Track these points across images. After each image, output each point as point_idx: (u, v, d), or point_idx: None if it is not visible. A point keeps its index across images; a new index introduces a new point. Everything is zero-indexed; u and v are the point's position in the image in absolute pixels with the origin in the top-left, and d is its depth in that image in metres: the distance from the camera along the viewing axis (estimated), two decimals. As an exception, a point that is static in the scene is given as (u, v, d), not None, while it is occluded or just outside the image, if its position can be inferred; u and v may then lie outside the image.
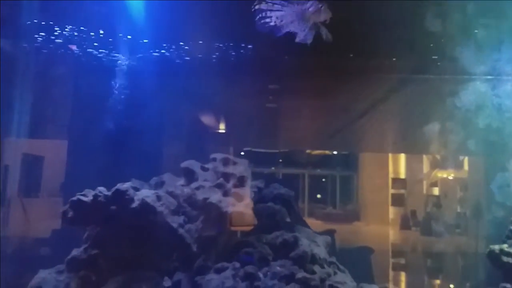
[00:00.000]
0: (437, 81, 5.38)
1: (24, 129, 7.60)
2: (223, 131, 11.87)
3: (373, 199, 17.52)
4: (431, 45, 4.80)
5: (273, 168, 17.36)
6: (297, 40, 3.25)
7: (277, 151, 16.56)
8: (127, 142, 6.51)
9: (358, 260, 6.34)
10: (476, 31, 4.11)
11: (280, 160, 17.25)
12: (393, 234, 16.38)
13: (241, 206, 4.68)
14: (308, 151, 17.08)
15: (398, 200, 17.36)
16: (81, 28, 5.37)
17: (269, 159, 16.27)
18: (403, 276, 10.57)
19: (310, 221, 5.67)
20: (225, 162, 4.77)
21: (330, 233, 5.57)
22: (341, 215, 17.68)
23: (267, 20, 3.19)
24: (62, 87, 6.50)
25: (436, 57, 4.87)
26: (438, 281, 10.00)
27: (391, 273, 10.06)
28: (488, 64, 4.72)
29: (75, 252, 4.14)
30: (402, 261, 12.18)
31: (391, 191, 17.56)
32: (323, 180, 19.27)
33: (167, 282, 4.32)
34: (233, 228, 4.81)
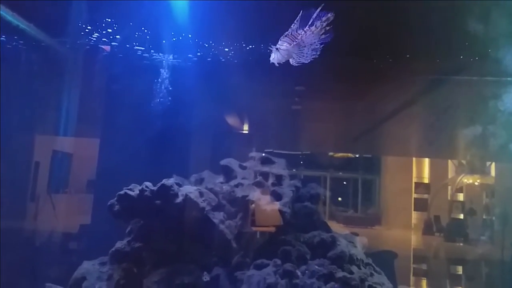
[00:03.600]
0: (477, 83, 5.32)
1: (59, 126, 7.83)
2: (246, 132, 11.95)
3: (395, 203, 17.33)
4: (472, 45, 4.74)
5: (294, 170, 17.35)
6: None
7: (299, 153, 16.59)
8: (160, 141, 6.62)
9: (381, 265, 6.30)
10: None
11: (302, 162, 17.25)
12: (415, 239, 16.14)
13: (278, 205, 4.73)
14: (330, 153, 17.04)
15: (421, 205, 17.11)
16: (115, 26, 5.50)
17: (291, 161, 16.29)
18: (425, 282, 10.42)
19: (331, 224, 5.68)
20: (263, 161, 4.83)
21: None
22: (362, 218, 17.54)
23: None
24: (102, 85, 6.68)
25: (477, 58, 4.81)
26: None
27: (412, 278, 9.92)
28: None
29: (118, 244, 4.25)
30: (424, 266, 12.00)
31: (414, 195, 17.33)
32: (345, 183, 19.18)
33: (205, 276, 4.40)
34: (266, 228, 4.85)
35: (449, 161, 16.47)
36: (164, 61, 6.10)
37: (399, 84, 6.89)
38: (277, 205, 4.71)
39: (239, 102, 9.02)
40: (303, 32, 2.75)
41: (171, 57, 6.06)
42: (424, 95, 7.12)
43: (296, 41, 2.77)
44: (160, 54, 5.94)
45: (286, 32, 2.82)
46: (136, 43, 5.65)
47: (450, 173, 16.95)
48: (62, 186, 13.00)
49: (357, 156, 17.53)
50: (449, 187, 16.88)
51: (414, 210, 17.22)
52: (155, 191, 4.02)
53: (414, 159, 17.39)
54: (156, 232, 4.13)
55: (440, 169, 17.07)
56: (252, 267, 4.16)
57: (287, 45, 2.78)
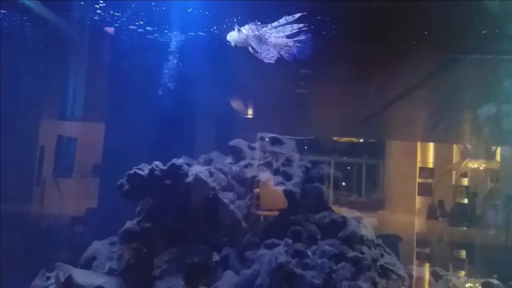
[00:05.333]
0: (491, 61, 5.19)
1: (64, 110, 7.75)
2: (250, 116, 11.82)
3: (399, 188, 17.28)
4: (486, 23, 4.61)
5: (298, 155, 17.22)
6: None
7: (303, 137, 16.48)
8: (167, 124, 6.53)
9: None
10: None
11: (306, 147, 17.14)
12: (419, 223, 16.15)
13: (283, 188, 4.69)
14: (335, 138, 16.92)
15: (425, 190, 17.06)
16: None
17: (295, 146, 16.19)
18: (428, 266, 10.44)
19: (334, 208, 5.68)
20: (273, 141, 4.77)
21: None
22: (366, 203, 17.51)
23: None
24: (107, 67, 6.58)
25: (496, 33, 4.67)
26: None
27: (416, 262, 9.94)
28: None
29: (128, 224, 4.24)
30: (428, 250, 12.02)
31: (419, 180, 17.26)
32: (348, 168, 19.09)
33: (215, 256, 4.40)
34: (271, 212, 4.84)
35: (454, 145, 16.37)
36: (171, 42, 5.97)
37: (407, 66, 6.74)
38: (281, 188, 4.68)
39: (242, 85, 8.89)
40: (268, 30, 2.75)
41: (177, 37, 5.93)
42: (433, 76, 6.97)
43: (257, 33, 2.78)
44: (168, 33, 5.81)
45: (259, 23, 2.80)
46: (143, 21, 5.52)
47: (455, 158, 16.88)
48: (68, 171, 13.01)
49: (361, 141, 17.41)
50: (454, 172, 16.82)
51: (418, 195, 17.15)
52: (165, 171, 3.98)
53: (418, 143, 17.27)
54: (166, 211, 4.11)
55: (445, 153, 16.98)
56: (263, 246, 4.15)
57: (250, 32, 2.80)
